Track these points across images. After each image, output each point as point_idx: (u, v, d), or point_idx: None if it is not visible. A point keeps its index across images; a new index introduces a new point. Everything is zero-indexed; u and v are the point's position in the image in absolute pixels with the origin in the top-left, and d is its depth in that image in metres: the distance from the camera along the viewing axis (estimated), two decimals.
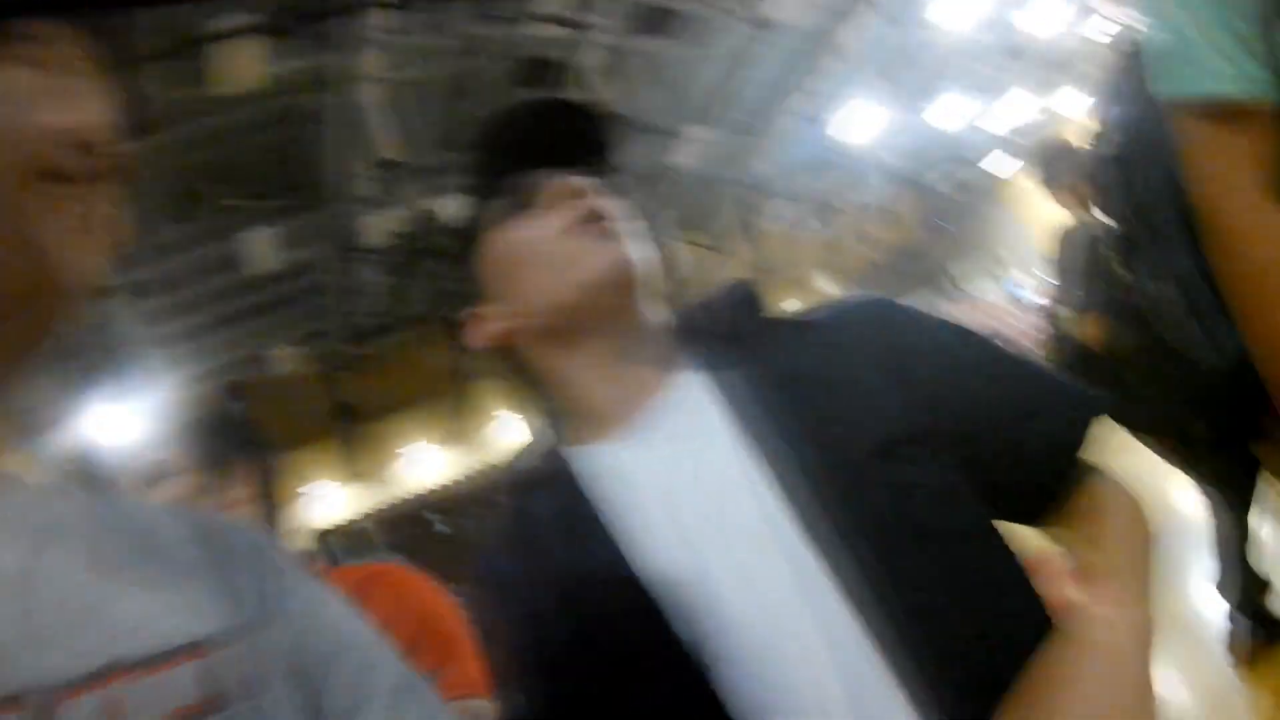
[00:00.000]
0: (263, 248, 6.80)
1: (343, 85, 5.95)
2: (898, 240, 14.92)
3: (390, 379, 9.90)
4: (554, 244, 0.79)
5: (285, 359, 8.53)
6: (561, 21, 5.64)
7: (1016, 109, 12.73)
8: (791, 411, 0.75)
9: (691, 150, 8.46)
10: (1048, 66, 12.09)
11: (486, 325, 0.84)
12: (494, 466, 9.99)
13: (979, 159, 14.15)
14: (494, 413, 10.32)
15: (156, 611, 0.44)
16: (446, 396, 10.20)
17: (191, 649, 0.44)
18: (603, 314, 0.79)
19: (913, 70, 10.45)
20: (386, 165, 6.46)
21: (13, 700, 0.37)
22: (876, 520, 0.70)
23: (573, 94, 7.13)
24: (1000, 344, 0.87)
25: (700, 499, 0.73)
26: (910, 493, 0.72)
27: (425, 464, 11.51)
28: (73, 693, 0.38)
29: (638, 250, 0.80)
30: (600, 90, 6.88)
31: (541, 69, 6.76)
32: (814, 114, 9.58)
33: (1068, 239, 2.64)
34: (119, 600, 0.44)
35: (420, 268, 7.87)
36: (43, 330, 0.47)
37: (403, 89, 6.73)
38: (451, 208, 7.39)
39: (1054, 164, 2.79)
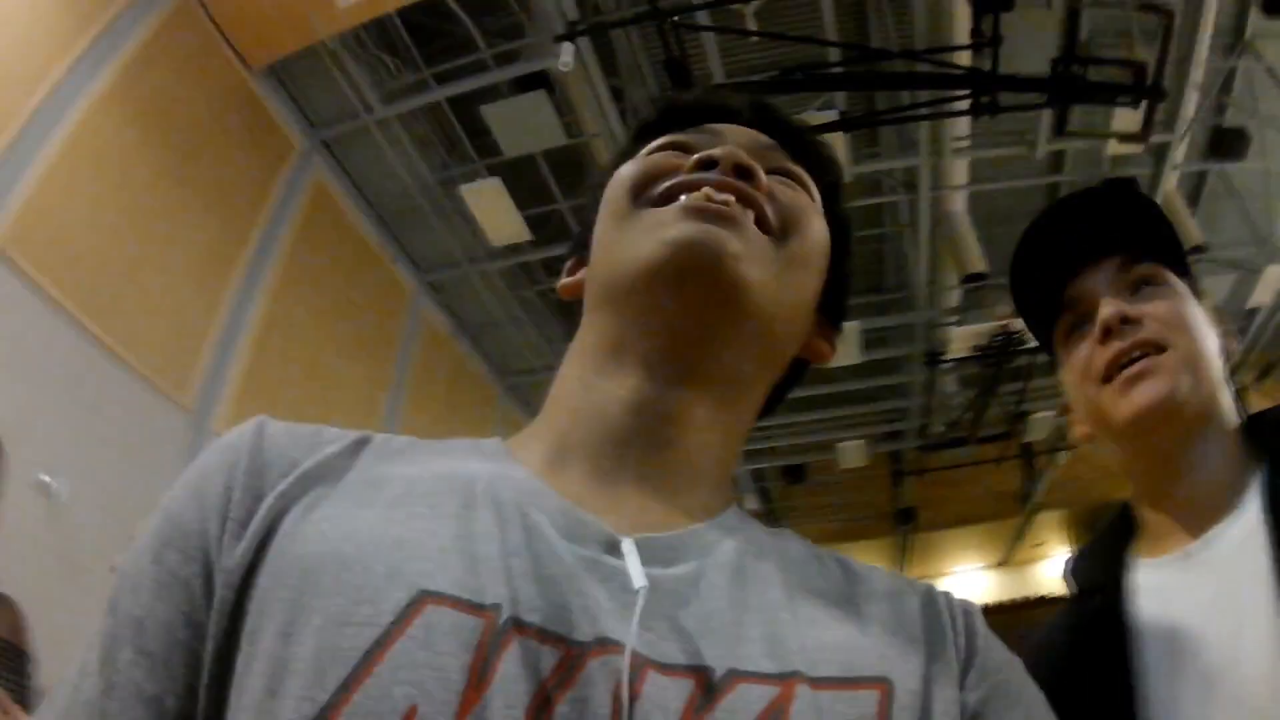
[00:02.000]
0: (846, 341, 7.29)
1: (929, 190, 6.36)
2: None
3: (953, 493, 10.02)
4: (1095, 386, 0.79)
5: (855, 452, 8.86)
6: (1137, 139, 5.37)
7: None
8: None
9: (1271, 289, 7.49)
10: None
11: (1076, 427, 0.87)
12: (1035, 599, 9.38)
13: None
14: (1048, 546, 9.75)
15: (849, 644, 0.48)
16: (1005, 521, 9.87)
17: (878, 681, 0.46)
18: (1149, 447, 0.78)
19: None
20: (973, 278, 6.63)
21: (696, 670, 0.43)
22: None
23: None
24: None
25: (1221, 645, 0.67)
26: None
27: (973, 584, 11.16)
28: (750, 680, 0.43)
29: (1179, 383, 0.75)
30: (1183, 216, 6.45)
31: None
32: None
33: None
34: (815, 626, 0.48)
35: (998, 387, 7.92)
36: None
37: (988, 200, 7.00)
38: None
39: None
